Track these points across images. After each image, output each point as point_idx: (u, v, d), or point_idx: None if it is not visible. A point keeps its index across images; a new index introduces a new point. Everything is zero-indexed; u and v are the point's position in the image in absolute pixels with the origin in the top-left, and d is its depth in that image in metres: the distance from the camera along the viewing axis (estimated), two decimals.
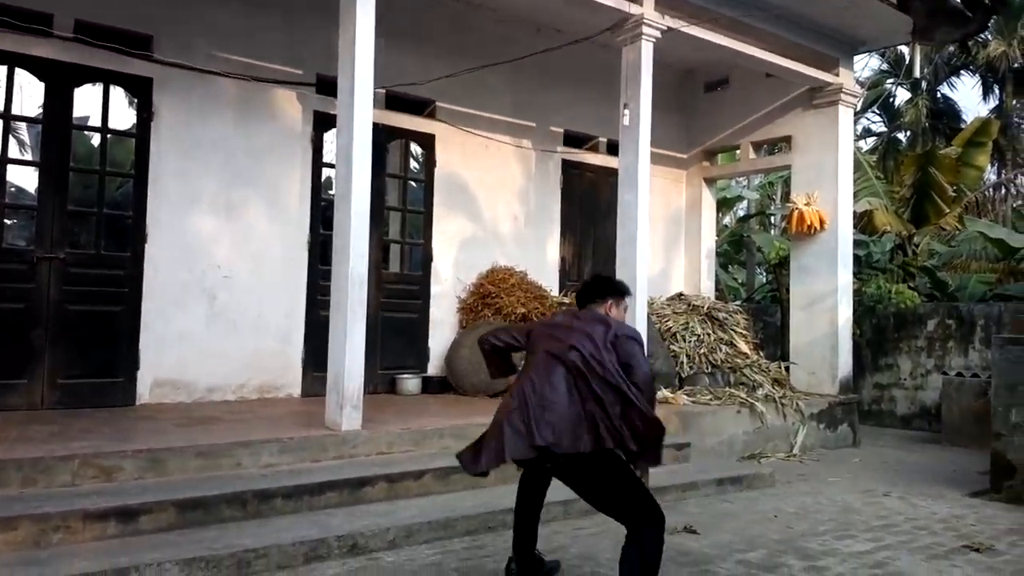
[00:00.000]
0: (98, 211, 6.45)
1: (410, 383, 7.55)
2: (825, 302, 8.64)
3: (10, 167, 6.04)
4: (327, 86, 6.79)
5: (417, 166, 9.09)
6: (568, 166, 9.09)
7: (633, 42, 6.93)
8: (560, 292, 8.66)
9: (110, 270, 6.28)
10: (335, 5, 5.65)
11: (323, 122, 7.21)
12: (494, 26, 8.24)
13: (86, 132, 7.19)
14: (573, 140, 9.19)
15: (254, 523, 4.18)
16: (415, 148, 8.45)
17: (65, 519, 3.78)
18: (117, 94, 6.53)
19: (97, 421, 5.41)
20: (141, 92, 6.44)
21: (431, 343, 7.95)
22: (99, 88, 6.36)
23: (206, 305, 6.63)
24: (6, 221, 6.39)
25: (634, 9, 6.82)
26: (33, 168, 6.48)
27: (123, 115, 6.94)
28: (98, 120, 6.46)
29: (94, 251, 6.37)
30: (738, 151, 10.09)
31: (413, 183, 8.52)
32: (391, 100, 7.66)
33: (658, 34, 6.94)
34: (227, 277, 6.74)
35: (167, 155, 6.48)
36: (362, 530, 4.15)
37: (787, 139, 9.37)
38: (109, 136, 6.74)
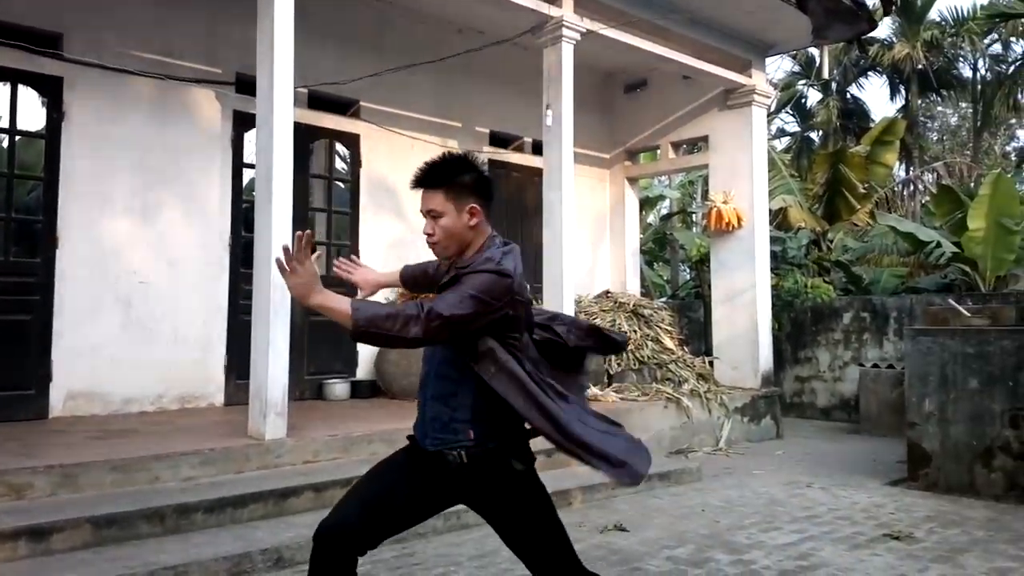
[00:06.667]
0: (6, 216, 6.14)
1: (338, 388, 7.45)
2: (745, 297, 8.89)
3: None
4: (247, 85, 6.62)
5: (343, 166, 8.97)
6: (494, 166, 9.08)
7: (554, 44, 6.99)
8: None
9: (20, 278, 6.00)
10: (252, 1, 5.53)
11: (243, 122, 7.03)
12: (416, 27, 8.19)
13: None
14: (499, 140, 9.21)
15: (174, 539, 4.05)
16: (340, 148, 8.34)
17: None
18: (26, 94, 6.25)
19: (6, 436, 5.16)
20: (51, 92, 6.17)
21: (360, 346, 7.85)
22: (6, 88, 6.07)
23: (121, 313, 6.40)
24: None
25: (554, 11, 6.87)
26: None
27: (33, 116, 6.63)
28: (6, 121, 6.17)
29: (2, 257, 6.06)
30: (659, 151, 10.27)
31: (339, 184, 8.40)
32: (314, 100, 7.53)
33: (578, 36, 7.02)
34: (143, 283, 6.51)
35: (79, 157, 6.23)
36: (288, 543, 4.06)
37: (704, 139, 9.58)
38: (17, 137, 6.43)
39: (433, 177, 2.44)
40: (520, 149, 9.36)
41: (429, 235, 2.46)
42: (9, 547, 3.67)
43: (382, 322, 2.18)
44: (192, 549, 3.91)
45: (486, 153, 8.97)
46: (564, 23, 6.87)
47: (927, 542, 4.64)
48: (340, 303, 2.20)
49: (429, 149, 8.38)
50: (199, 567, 3.73)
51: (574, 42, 7.02)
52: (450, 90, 8.60)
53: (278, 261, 2.15)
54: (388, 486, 2.48)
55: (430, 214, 2.45)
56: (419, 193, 2.46)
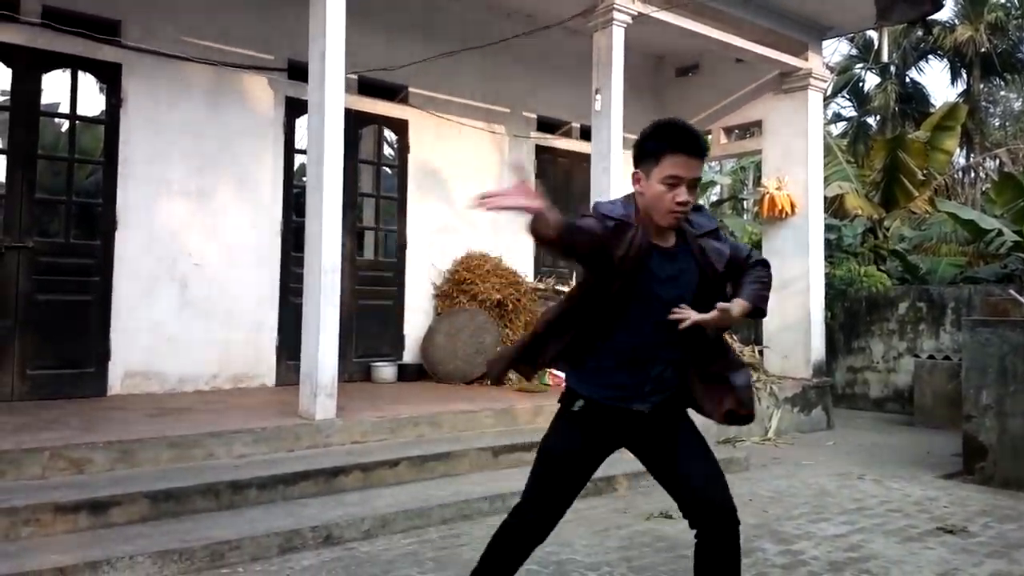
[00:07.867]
0: (67, 199, 6.34)
1: (385, 371, 7.53)
2: (797, 286, 8.72)
3: None
4: (299, 71, 6.68)
5: (391, 152, 9.03)
6: (542, 151, 9.07)
7: (604, 27, 6.91)
8: (535, 277, 8.66)
9: (80, 259, 6.19)
10: None
11: (295, 108, 7.13)
12: (465, 11, 8.18)
13: (55, 119, 7.07)
14: (546, 125, 9.16)
15: (227, 514, 4.16)
16: (388, 134, 8.39)
17: (35, 512, 3.74)
18: (86, 80, 6.42)
19: (67, 412, 5.34)
20: (110, 78, 6.34)
21: (406, 330, 7.93)
22: (67, 74, 6.25)
23: (177, 294, 6.56)
24: None
25: None
26: None
27: (92, 101, 6.82)
28: (67, 107, 6.35)
29: (63, 240, 6.26)
30: (710, 136, 10.11)
31: (387, 169, 8.46)
32: (363, 86, 7.59)
33: (629, 19, 6.94)
34: (198, 265, 6.67)
35: (137, 142, 6.39)
36: (337, 520, 4.14)
37: (758, 123, 9.39)
38: (78, 122, 6.62)
39: (704, 145, 2.41)
40: (568, 134, 9.31)
41: (686, 204, 2.36)
42: (71, 519, 3.81)
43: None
44: (245, 524, 4.00)
45: (533, 138, 8.95)
46: (615, 6, 6.78)
47: (982, 536, 4.53)
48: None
49: (476, 135, 8.41)
50: (252, 542, 3.83)
51: (625, 25, 6.93)
52: (498, 75, 8.59)
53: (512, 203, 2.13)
54: (574, 462, 2.63)
55: (696, 184, 2.40)
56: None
